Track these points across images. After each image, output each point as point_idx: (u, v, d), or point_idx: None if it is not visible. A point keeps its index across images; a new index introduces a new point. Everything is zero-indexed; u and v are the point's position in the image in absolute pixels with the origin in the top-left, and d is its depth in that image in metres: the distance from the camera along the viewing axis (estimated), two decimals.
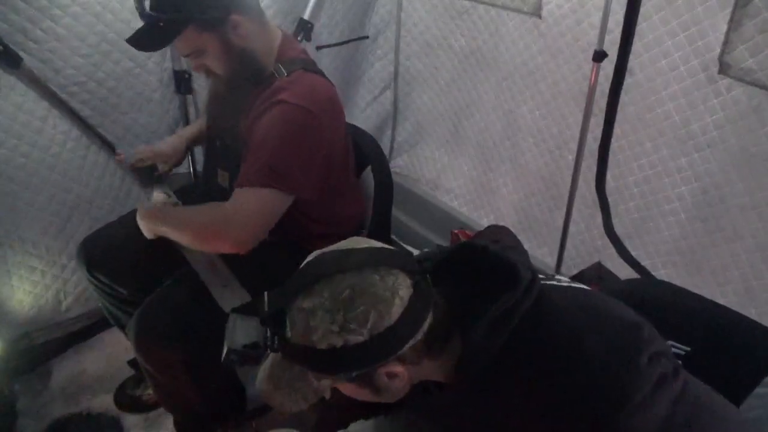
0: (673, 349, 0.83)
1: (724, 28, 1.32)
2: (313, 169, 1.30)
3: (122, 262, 1.45)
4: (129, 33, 1.25)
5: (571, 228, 1.83)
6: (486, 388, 0.74)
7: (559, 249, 1.87)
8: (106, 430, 1.67)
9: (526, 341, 0.72)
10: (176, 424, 1.59)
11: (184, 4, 1.20)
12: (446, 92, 2.23)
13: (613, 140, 1.47)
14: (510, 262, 0.74)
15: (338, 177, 1.45)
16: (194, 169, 1.99)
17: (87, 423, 1.68)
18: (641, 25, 1.43)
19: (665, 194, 1.60)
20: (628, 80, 1.38)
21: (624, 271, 1.63)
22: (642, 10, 1.26)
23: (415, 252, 0.89)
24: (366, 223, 1.60)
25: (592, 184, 1.57)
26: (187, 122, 1.92)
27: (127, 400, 1.74)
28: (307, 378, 0.74)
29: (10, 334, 1.72)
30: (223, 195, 1.31)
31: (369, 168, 1.60)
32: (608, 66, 1.42)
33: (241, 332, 0.76)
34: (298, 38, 1.99)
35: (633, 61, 1.43)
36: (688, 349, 0.83)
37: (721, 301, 1.00)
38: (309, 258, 0.76)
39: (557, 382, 0.69)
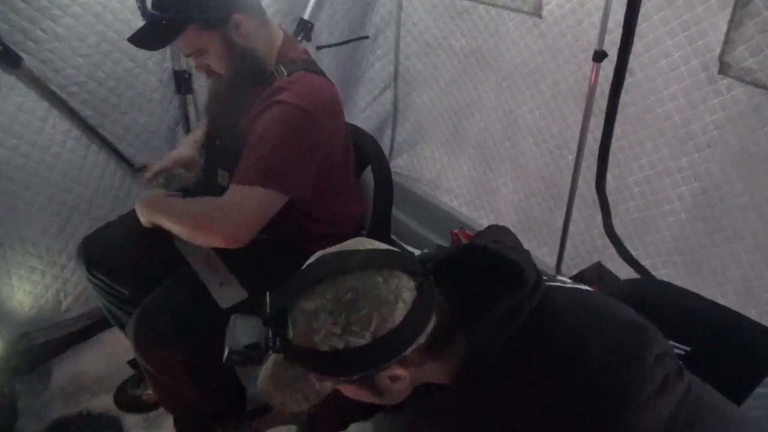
0: (674, 350, 0.82)
1: (724, 28, 1.32)
2: (311, 169, 1.30)
3: (122, 261, 1.45)
4: (129, 33, 1.25)
5: (571, 228, 1.83)
6: (489, 389, 0.74)
7: (559, 249, 1.87)
8: (106, 430, 1.67)
9: (530, 341, 0.72)
10: (176, 424, 1.59)
11: (186, 3, 1.20)
12: (446, 92, 2.23)
13: (613, 140, 1.47)
14: (514, 263, 0.74)
15: (338, 177, 1.45)
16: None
17: (87, 423, 1.68)
18: (641, 25, 1.43)
19: (665, 194, 1.60)
20: (628, 80, 1.38)
21: (624, 271, 1.63)
22: (642, 10, 1.26)
23: (416, 252, 0.89)
24: (366, 223, 1.60)
25: (592, 184, 1.57)
26: (187, 122, 1.92)
27: (127, 400, 1.74)
28: (309, 379, 0.73)
29: (10, 334, 1.72)
30: (222, 194, 1.31)
31: (369, 168, 1.60)
32: (608, 66, 1.42)
33: (242, 333, 0.76)
34: (298, 38, 1.99)
35: (633, 61, 1.43)
36: (688, 349, 0.83)
37: (721, 301, 1.00)
38: (311, 258, 0.76)
39: (560, 382, 0.69)
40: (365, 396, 0.77)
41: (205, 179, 1.54)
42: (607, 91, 1.39)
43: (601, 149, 1.48)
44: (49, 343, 1.83)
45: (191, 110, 1.91)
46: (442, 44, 2.15)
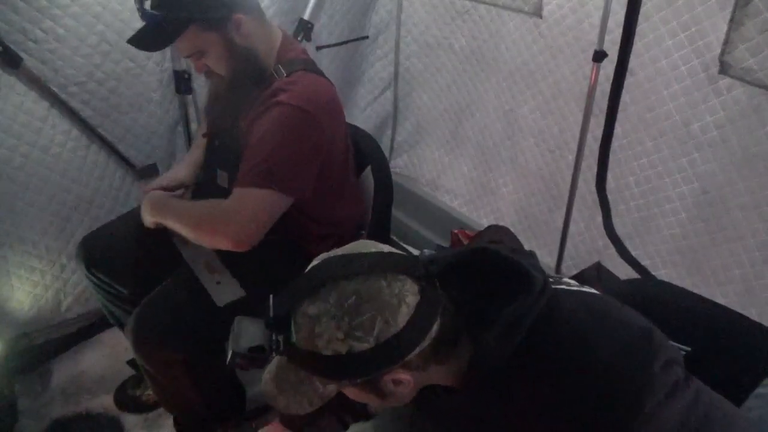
0: (681, 355, 0.82)
1: (725, 28, 1.32)
2: (312, 170, 1.30)
3: (122, 260, 1.45)
4: (129, 33, 1.25)
5: (571, 228, 1.83)
6: (495, 392, 0.73)
7: (559, 249, 1.87)
8: (106, 430, 1.67)
9: (537, 345, 0.71)
10: (176, 424, 1.59)
11: (186, 4, 1.20)
12: (446, 92, 2.23)
13: (613, 140, 1.47)
14: (522, 266, 0.73)
15: (338, 177, 1.44)
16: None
17: (87, 423, 1.68)
18: (641, 25, 1.43)
19: (665, 194, 1.60)
20: (628, 80, 1.38)
21: (624, 271, 1.62)
22: (642, 10, 1.26)
23: (416, 252, 0.88)
24: (366, 223, 1.60)
25: (592, 184, 1.57)
26: (187, 122, 1.92)
27: (127, 400, 1.73)
28: (312, 382, 0.73)
29: (10, 334, 1.72)
30: (223, 195, 1.30)
31: (369, 168, 1.59)
32: (608, 66, 1.42)
33: (245, 335, 0.76)
34: (298, 38, 1.98)
35: (633, 61, 1.43)
36: (689, 349, 0.83)
37: (721, 301, 1.00)
38: (315, 261, 0.75)
39: (568, 386, 0.69)
40: (369, 398, 0.77)
41: (204, 180, 1.54)
42: (607, 91, 1.39)
43: (602, 149, 1.48)
44: (49, 343, 1.83)
45: (191, 110, 1.91)
46: (442, 44, 2.15)
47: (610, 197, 1.60)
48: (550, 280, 0.78)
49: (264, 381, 0.78)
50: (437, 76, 2.23)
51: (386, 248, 0.76)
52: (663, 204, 1.62)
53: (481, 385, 0.74)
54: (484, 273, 0.75)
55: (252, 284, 1.34)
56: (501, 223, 1.37)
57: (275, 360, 0.77)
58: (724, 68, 1.36)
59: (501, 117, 2.04)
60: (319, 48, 2.11)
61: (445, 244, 2.17)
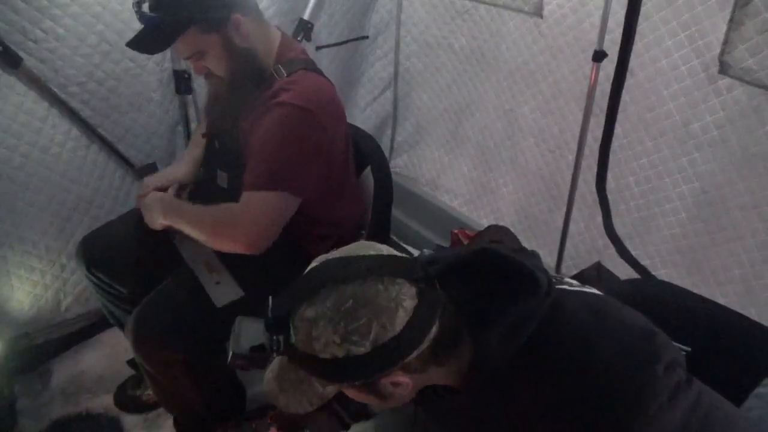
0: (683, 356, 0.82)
1: (724, 28, 1.32)
2: (315, 169, 1.30)
3: (121, 260, 1.45)
4: (129, 33, 1.25)
5: (571, 228, 1.83)
6: (497, 392, 0.73)
7: (559, 249, 1.87)
8: (106, 430, 1.67)
9: (539, 346, 0.71)
10: (176, 424, 1.59)
11: (184, 6, 1.19)
12: (446, 92, 2.23)
13: (613, 140, 1.47)
14: (526, 267, 0.73)
15: (338, 177, 1.44)
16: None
17: (87, 423, 1.68)
18: (641, 25, 1.43)
19: (665, 194, 1.60)
20: (628, 80, 1.37)
21: (624, 271, 1.62)
22: (642, 10, 1.26)
23: (416, 252, 0.88)
24: (366, 223, 1.60)
25: (592, 184, 1.57)
26: (187, 122, 1.92)
27: (127, 400, 1.73)
28: (312, 382, 0.73)
29: (10, 334, 1.72)
30: (223, 196, 1.31)
31: (369, 168, 1.59)
32: (608, 66, 1.42)
33: (246, 336, 0.76)
34: (298, 38, 1.98)
35: (634, 61, 1.43)
36: (689, 349, 0.83)
37: (721, 301, 1.00)
38: (314, 263, 0.75)
39: (569, 387, 0.69)
40: (369, 399, 0.77)
41: (204, 179, 1.54)
42: (607, 91, 1.39)
43: (602, 149, 1.48)
44: (49, 343, 1.83)
45: (191, 110, 1.91)
46: (442, 44, 2.15)
47: (610, 197, 1.59)
48: (553, 280, 0.78)
49: (266, 380, 0.78)
50: (437, 76, 2.23)
51: (386, 250, 0.76)
52: (663, 204, 1.62)
53: (481, 385, 0.74)
54: (485, 273, 0.75)
55: (251, 284, 1.34)
56: (501, 223, 1.37)
57: (278, 359, 0.77)
58: (723, 68, 1.36)
59: (501, 117, 2.04)
60: (318, 48, 2.11)
61: (445, 244, 2.17)
